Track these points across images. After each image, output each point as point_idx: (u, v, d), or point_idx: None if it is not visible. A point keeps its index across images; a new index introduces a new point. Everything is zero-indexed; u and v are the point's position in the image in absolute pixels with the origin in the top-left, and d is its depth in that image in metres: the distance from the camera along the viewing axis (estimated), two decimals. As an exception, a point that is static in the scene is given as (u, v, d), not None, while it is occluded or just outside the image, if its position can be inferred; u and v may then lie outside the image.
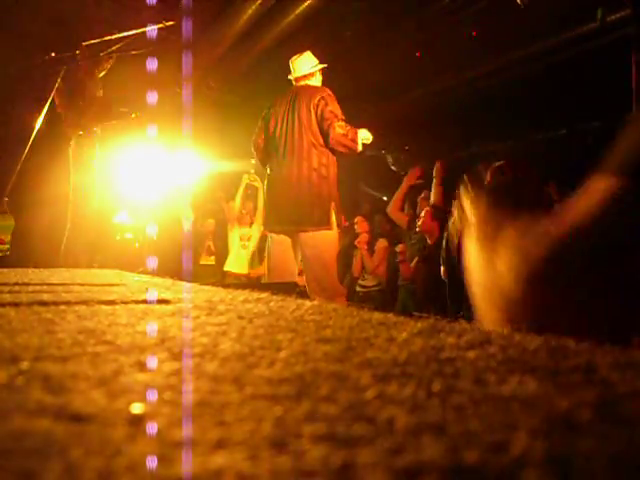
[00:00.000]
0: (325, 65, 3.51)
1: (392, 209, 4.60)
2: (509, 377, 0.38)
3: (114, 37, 3.11)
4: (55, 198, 3.12)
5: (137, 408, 0.30)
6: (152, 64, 3.72)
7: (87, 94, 3.32)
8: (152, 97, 4.61)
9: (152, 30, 3.12)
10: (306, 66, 3.46)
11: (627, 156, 0.93)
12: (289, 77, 3.53)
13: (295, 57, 3.51)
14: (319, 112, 3.14)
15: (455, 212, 1.57)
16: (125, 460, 0.23)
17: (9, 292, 0.98)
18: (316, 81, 3.49)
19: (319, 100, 3.18)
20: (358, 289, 4.90)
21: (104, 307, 0.76)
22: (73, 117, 3.29)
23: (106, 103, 3.50)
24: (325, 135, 3.08)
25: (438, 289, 3.16)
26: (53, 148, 3.21)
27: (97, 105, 3.40)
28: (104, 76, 3.65)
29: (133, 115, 3.74)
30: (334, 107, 3.15)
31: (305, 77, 3.45)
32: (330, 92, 3.28)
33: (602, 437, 0.27)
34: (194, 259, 5.88)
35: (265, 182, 3.48)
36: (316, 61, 3.51)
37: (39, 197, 3.07)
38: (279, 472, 0.22)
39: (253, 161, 6.35)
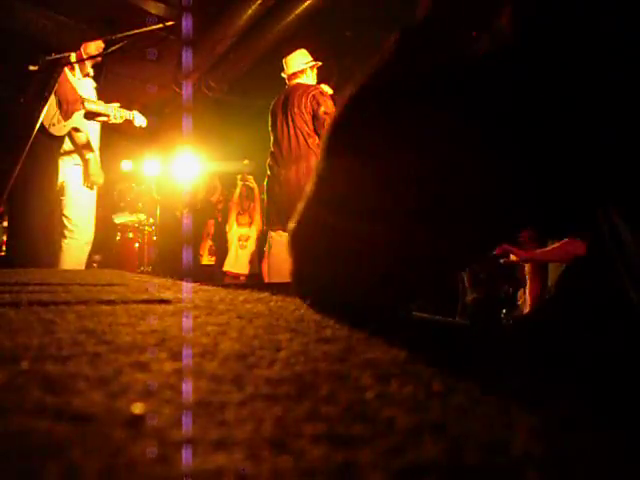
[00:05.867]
0: (318, 63, 3.48)
1: None
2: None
3: (114, 37, 3.11)
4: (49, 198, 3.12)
5: (137, 408, 0.30)
6: (152, 64, 3.72)
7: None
8: (152, 97, 4.61)
9: (152, 30, 3.12)
10: (297, 63, 3.43)
11: None
12: (282, 75, 3.52)
13: (288, 55, 3.50)
14: (312, 113, 3.13)
15: None
16: (125, 460, 0.23)
17: (9, 292, 0.98)
18: (308, 79, 3.44)
19: (310, 100, 3.17)
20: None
21: (104, 307, 0.76)
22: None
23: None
24: (321, 136, 3.09)
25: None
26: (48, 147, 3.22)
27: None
28: (103, 76, 3.65)
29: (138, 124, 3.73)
30: (326, 106, 3.14)
31: (295, 75, 3.42)
32: (322, 90, 3.25)
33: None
34: (195, 259, 5.89)
35: (266, 182, 3.49)
36: (309, 58, 3.46)
37: (36, 197, 3.07)
38: (279, 472, 0.22)
39: (245, 162, 6.37)
